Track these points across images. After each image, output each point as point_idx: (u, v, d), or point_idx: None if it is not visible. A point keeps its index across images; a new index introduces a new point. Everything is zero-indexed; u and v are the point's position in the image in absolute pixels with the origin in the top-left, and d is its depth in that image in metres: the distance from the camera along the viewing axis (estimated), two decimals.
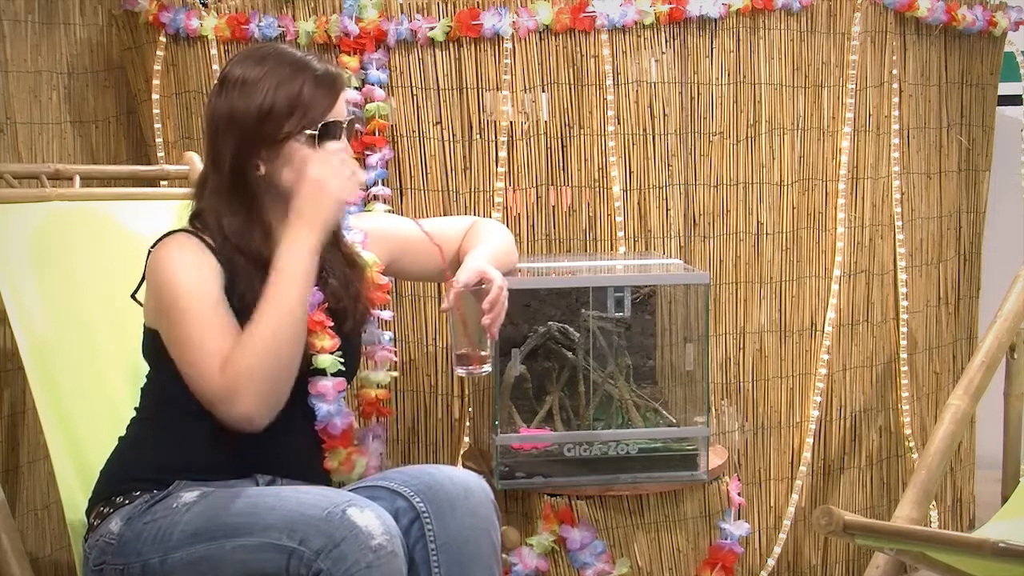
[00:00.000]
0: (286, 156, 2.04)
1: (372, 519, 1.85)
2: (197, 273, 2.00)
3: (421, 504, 2.01)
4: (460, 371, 2.21)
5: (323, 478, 2.12)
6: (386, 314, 2.30)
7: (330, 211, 2.00)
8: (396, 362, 2.53)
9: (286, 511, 1.86)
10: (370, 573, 1.81)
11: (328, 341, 2.08)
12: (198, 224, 2.08)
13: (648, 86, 2.86)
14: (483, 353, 2.19)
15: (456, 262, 2.29)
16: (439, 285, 2.85)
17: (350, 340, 2.16)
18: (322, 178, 1.99)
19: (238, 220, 2.05)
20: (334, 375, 2.09)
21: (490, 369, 2.22)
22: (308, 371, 2.07)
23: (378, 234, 2.29)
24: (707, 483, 2.68)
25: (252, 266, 2.03)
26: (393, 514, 1.95)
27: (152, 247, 2.06)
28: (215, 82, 2.18)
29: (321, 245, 2.00)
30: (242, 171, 2.06)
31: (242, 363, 1.91)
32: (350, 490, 2.03)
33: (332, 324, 2.09)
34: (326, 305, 2.09)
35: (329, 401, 2.09)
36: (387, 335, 2.32)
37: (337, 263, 2.15)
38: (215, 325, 1.96)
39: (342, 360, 2.09)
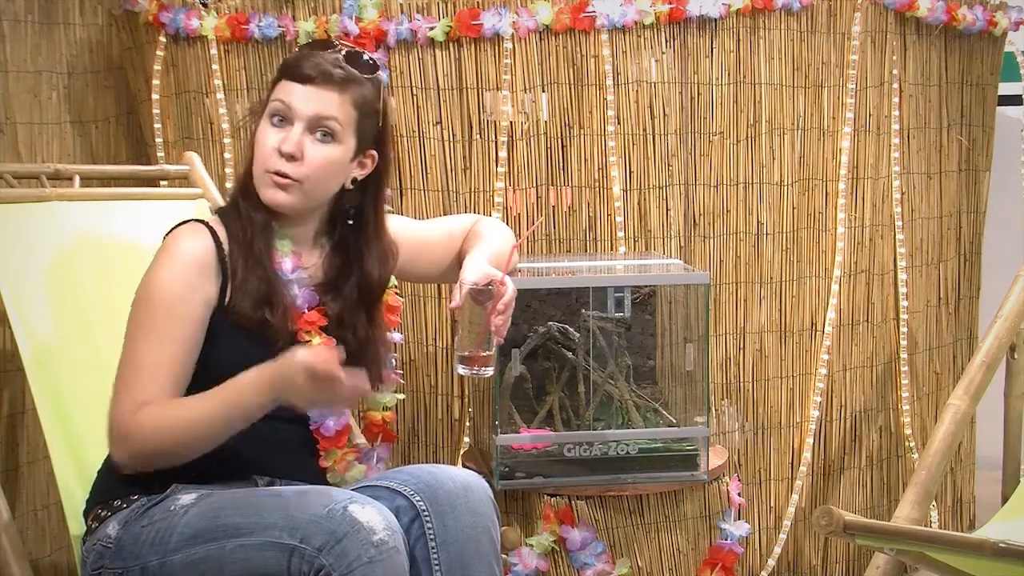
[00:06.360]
0: None
1: (374, 515, 1.84)
2: (186, 285, 1.99)
3: (421, 503, 2.00)
4: (462, 370, 2.15)
5: (321, 480, 2.11)
6: (396, 336, 2.27)
7: (301, 403, 1.92)
8: (403, 384, 2.50)
9: (287, 509, 1.86)
10: (372, 568, 1.80)
11: (318, 339, 2.06)
12: (221, 217, 2.09)
13: (648, 86, 2.86)
14: (486, 354, 2.13)
15: (457, 261, 2.28)
16: (439, 286, 2.85)
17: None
18: (320, 389, 1.86)
19: (260, 218, 2.07)
20: None
21: (493, 371, 2.17)
22: None
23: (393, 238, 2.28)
24: (707, 483, 2.68)
25: (257, 264, 2.04)
26: (394, 513, 1.95)
27: (167, 233, 2.06)
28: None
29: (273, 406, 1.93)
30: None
31: (148, 436, 1.93)
32: (351, 490, 2.03)
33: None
34: (324, 309, 2.09)
35: None
36: (393, 359, 2.30)
37: (362, 321, 2.13)
38: (163, 362, 1.96)
39: None
